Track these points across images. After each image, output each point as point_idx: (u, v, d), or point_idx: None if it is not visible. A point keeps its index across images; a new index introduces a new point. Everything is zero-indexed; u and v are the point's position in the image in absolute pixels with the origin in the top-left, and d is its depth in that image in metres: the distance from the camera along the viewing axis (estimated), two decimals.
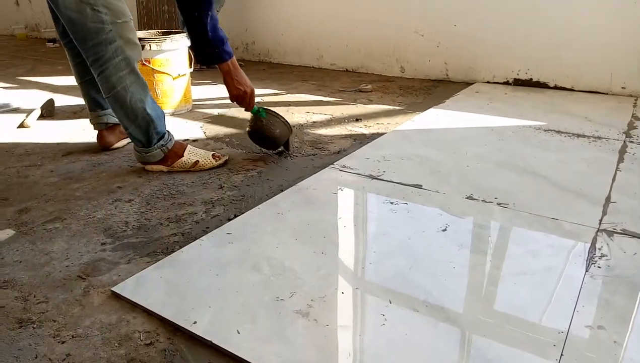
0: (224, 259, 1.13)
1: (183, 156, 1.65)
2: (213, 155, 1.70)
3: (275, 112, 1.76)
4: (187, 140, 1.98)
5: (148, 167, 1.67)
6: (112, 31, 1.46)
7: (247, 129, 1.80)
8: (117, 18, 1.47)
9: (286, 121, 1.76)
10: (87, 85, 1.77)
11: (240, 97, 1.67)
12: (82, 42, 1.49)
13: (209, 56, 1.58)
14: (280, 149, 1.83)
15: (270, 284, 1.03)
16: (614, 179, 1.52)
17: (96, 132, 1.88)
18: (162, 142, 1.62)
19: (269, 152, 1.83)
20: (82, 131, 2.12)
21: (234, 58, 1.62)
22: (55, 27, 1.68)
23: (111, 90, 1.53)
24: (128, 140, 1.91)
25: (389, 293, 1.00)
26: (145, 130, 1.58)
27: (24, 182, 1.61)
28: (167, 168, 1.66)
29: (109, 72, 1.50)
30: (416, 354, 0.84)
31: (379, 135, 1.99)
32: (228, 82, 1.63)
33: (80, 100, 2.46)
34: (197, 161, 1.66)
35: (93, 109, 1.82)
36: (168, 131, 1.65)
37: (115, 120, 1.84)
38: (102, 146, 1.86)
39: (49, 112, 2.34)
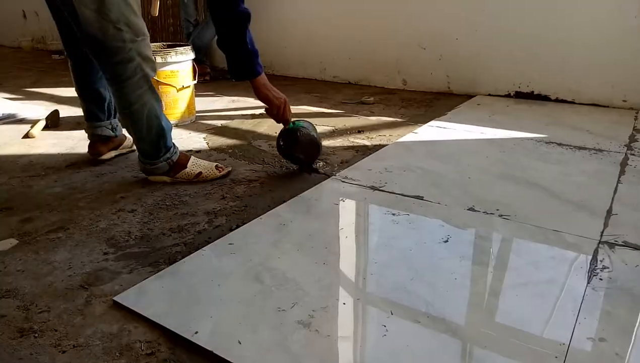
0: (226, 269, 1.13)
1: (187, 167, 1.66)
2: (216, 166, 1.71)
3: (305, 120, 1.77)
4: (191, 151, 2.00)
5: (151, 178, 1.68)
6: (132, 50, 1.45)
7: (281, 143, 1.72)
8: (136, 36, 1.46)
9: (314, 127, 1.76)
10: (86, 97, 1.79)
11: (281, 108, 1.66)
12: (101, 58, 1.49)
13: (247, 71, 1.60)
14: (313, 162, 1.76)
15: (272, 295, 1.03)
16: (615, 191, 1.52)
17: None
18: (168, 154, 1.63)
19: (303, 165, 1.76)
20: (86, 142, 2.12)
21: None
22: (61, 37, 1.70)
23: (128, 107, 1.53)
24: (117, 152, 1.91)
25: (391, 304, 1.00)
26: (156, 143, 1.60)
27: (28, 191, 1.62)
28: (171, 179, 1.67)
29: (128, 90, 1.49)
30: None
31: (381, 146, 2.00)
32: (266, 94, 1.63)
33: None
34: (201, 172, 1.67)
35: (89, 119, 1.82)
36: (174, 144, 1.67)
37: (110, 133, 1.85)
38: (92, 155, 1.86)
39: (53, 122, 2.36)
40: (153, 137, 1.58)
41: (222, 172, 1.71)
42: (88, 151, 1.86)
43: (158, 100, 1.59)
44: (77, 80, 1.76)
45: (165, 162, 1.63)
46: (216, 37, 1.62)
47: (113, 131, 1.86)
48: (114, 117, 1.86)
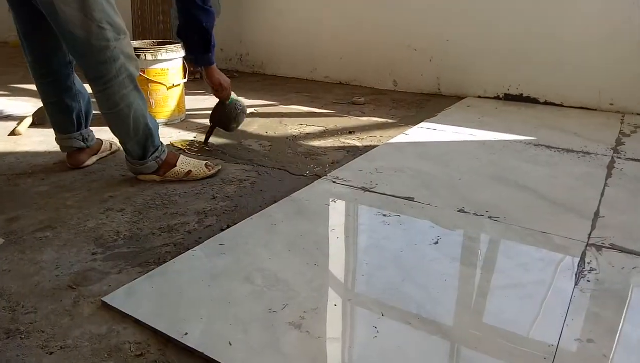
0: (217, 270, 1.12)
1: (176, 166, 1.65)
2: (206, 164, 1.70)
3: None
4: (180, 149, 1.98)
5: (140, 177, 1.66)
6: (116, 48, 1.43)
7: (221, 115, 2.01)
8: (118, 34, 1.44)
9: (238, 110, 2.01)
10: (53, 107, 1.69)
11: (228, 90, 1.94)
12: (84, 59, 1.45)
13: (204, 60, 1.81)
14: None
15: (263, 295, 1.03)
16: (602, 194, 1.54)
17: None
18: (156, 153, 1.61)
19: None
20: None
21: None
22: (25, 46, 1.58)
23: (113, 108, 1.50)
24: (97, 156, 1.85)
25: (381, 305, 1.00)
26: (143, 143, 1.58)
27: (14, 190, 1.60)
28: (160, 178, 1.65)
29: (113, 90, 1.46)
30: None
31: (372, 147, 2.00)
32: (216, 76, 1.86)
33: None
34: (190, 171, 1.66)
35: (60, 131, 1.73)
36: (161, 142, 1.65)
37: (81, 144, 1.75)
38: (72, 166, 1.76)
39: (40, 119, 2.33)
40: (140, 137, 1.56)
41: (212, 171, 1.70)
42: (67, 162, 1.77)
43: (143, 99, 1.56)
44: (43, 89, 1.66)
45: (153, 161, 1.61)
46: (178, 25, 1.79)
47: (84, 142, 1.76)
48: (85, 127, 1.76)
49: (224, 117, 2.01)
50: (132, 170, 1.65)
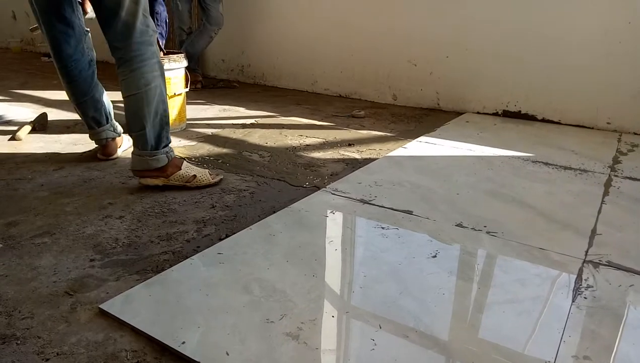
0: (215, 279, 1.12)
1: (181, 169, 1.68)
2: (209, 172, 1.72)
3: None
4: (182, 158, 1.99)
5: (143, 181, 1.65)
6: (152, 36, 1.59)
7: None
8: (152, 29, 1.60)
9: None
10: (84, 106, 1.83)
11: None
12: (127, 40, 1.55)
13: None
14: None
15: (261, 306, 1.03)
16: (599, 212, 1.55)
17: (92, 145, 1.96)
18: (167, 148, 1.66)
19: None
20: (74, 146, 2.11)
21: None
22: (55, 49, 1.71)
23: (144, 87, 1.57)
24: (122, 149, 2.01)
25: (379, 318, 1.00)
26: (159, 131, 1.62)
27: (14, 195, 1.60)
28: (165, 181, 1.65)
29: (147, 68, 1.57)
30: None
31: (371, 160, 2.02)
32: None
33: (73, 115, 2.46)
34: (195, 176, 1.68)
35: (92, 127, 1.89)
36: (171, 140, 1.70)
37: (114, 134, 1.93)
38: (106, 156, 1.95)
39: (41, 125, 2.34)
40: (158, 122, 1.62)
41: (215, 179, 1.72)
42: (101, 154, 1.95)
43: (165, 88, 1.65)
44: (73, 91, 1.80)
45: (164, 154, 1.64)
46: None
47: (115, 131, 1.95)
48: (111, 119, 1.93)
49: None
50: (139, 165, 1.63)
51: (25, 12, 5.09)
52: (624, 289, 1.13)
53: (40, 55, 4.73)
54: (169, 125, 1.67)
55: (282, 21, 3.49)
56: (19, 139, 2.17)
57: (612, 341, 0.96)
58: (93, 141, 1.94)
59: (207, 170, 1.73)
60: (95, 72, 1.84)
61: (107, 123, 1.90)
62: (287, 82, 3.59)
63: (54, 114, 2.57)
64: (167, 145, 1.65)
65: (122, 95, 1.60)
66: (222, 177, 1.76)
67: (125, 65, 1.57)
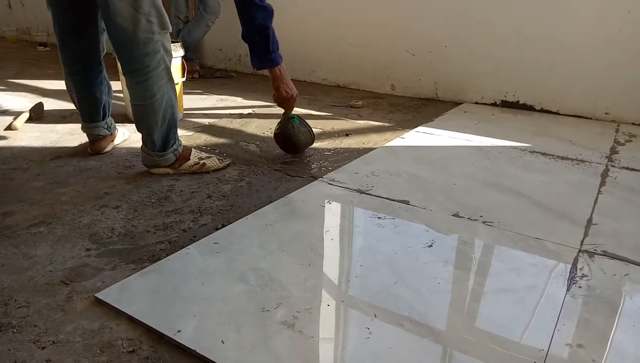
0: (211, 268, 1.13)
1: (190, 159, 1.69)
2: (217, 157, 1.75)
3: (306, 122, 1.90)
4: (190, 148, 1.99)
5: (154, 170, 1.68)
6: (158, 41, 1.49)
7: (275, 130, 1.90)
8: (162, 29, 1.50)
9: (312, 132, 1.88)
10: (84, 100, 1.78)
11: (287, 100, 1.81)
12: (127, 51, 1.48)
13: (267, 60, 1.74)
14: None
15: (256, 295, 1.03)
16: (595, 202, 1.55)
17: (84, 136, 1.91)
18: (174, 146, 1.65)
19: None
20: (71, 136, 2.10)
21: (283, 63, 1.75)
22: (60, 41, 1.65)
23: (149, 99, 1.53)
24: (113, 144, 1.95)
25: (374, 307, 1.01)
26: (167, 134, 1.61)
27: (9, 184, 1.59)
28: (174, 171, 1.68)
29: (152, 81, 1.51)
30: None
31: (368, 150, 2.01)
32: (279, 85, 1.78)
33: (69, 105, 2.45)
34: (205, 163, 1.70)
35: (87, 121, 1.83)
36: (178, 136, 1.70)
37: (106, 132, 1.87)
38: (94, 152, 1.87)
39: (37, 115, 2.32)
40: (165, 128, 1.60)
41: (223, 163, 1.75)
42: (90, 149, 1.88)
43: (174, 89, 1.62)
44: (77, 85, 1.75)
45: (172, 154, 1.65)
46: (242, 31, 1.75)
47: (108, 130, 1.89)
48: (108, 116, 1.87)
49: (286, 138, 1.87)
50: (149, 162, 1.66)
51: (20, 2, 5.04)
52: (618, 278, 1.14)
53: (37, 44, 4.69)
54: (177, 125, 1.64)
55: (279, 9, 3.45)
56: (15, 129, 2.16)
57: (606, 330, 0.96)
58: (86, 134, 1.88)
59: (214, 156, 1.75)
60: (103, 71, 1.77)
61: (102, 120, 1.84)
62: None
63: (50, 104, 2.55)
64: (174, 144, 1.66)
65: (129, 100, 1.58)
66: (230, 161, 1.79)
67: (130, 77, 1.53)
